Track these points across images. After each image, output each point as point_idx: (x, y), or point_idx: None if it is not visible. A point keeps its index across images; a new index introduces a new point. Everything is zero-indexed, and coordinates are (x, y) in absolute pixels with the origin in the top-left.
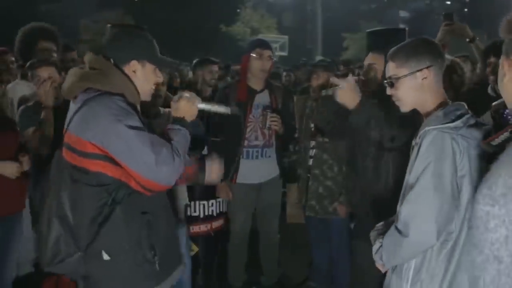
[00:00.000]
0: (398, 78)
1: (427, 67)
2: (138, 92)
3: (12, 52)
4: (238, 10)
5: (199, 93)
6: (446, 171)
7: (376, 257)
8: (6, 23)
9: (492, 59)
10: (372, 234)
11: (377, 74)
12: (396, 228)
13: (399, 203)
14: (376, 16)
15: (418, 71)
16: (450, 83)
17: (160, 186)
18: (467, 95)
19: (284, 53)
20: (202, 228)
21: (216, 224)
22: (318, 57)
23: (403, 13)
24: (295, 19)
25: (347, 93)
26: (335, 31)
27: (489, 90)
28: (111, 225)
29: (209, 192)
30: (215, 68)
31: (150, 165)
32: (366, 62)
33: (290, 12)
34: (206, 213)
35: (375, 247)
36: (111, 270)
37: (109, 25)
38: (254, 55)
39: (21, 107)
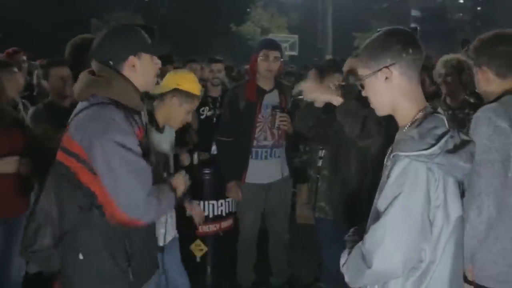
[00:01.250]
0: (363, 80)
1: (387, 66)
2: (140, 97)
3: (24, 51)
4: (249, 10)
5: (207, 92)
6: (417, 205)
7: (343, 270)
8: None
9: None
10: (346, 239)
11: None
12: (362, 253)
13: (368, 221)
14: (387, 15)
15: (378, 70)
16: (460, 82)
17: (124, 215)
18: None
19: (294, 53)
20: (211, 228)
21: (225, 224)
22: (328, 57)
23: (414, 12)
24: (306, 19)
25: (312, 89)
26: (345, 30)
27: None
28: (89, 227)
29: (219, 192)
30: (217, 66)
31: (127, 192)
32: (345, 69)
33: (301, 12)
34: (216, 213)
35: (342, 260)
36: (84, 269)
37: None
38: (260, 56)
39: (32, 109)
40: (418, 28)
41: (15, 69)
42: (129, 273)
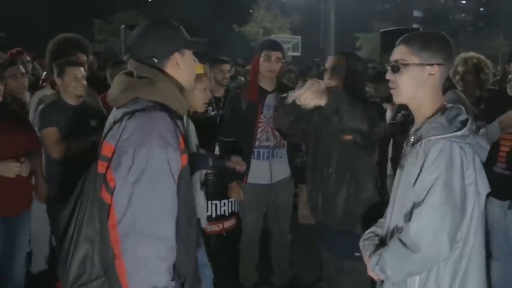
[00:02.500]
0: (406, 65)
1: (438, 64)
2: (184, 98)
3: (28, 51)
4: (251, 10)
5: (212, 93)
6: (456, 183)
7: (376, 270)
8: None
9: None
10: (363, 243)
11: (341, 78)
12: (402, 242)
13: (390, 216)
14: (390, 16)
15: (428, 64)
16: (477, 81)
17: (116, 237)
18: (486, 94)
19: (297, 53)
20: (214, 227)
21: (228, 224)
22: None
23: (417, 13)
24: (308, 19)
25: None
26: (348, 31)
27: (508, 90)
28: None
29: (222, 192)
30: (226, 67)
31: (138, 212)
32: (329, 66)
33: (303, 12)
34: (218, 213)
35: (373, 260)
36: None
37: (122, 26)
38: (262, 57)
39: (40, 107)
40: (421, 28)
41: (20, 68)
42: None
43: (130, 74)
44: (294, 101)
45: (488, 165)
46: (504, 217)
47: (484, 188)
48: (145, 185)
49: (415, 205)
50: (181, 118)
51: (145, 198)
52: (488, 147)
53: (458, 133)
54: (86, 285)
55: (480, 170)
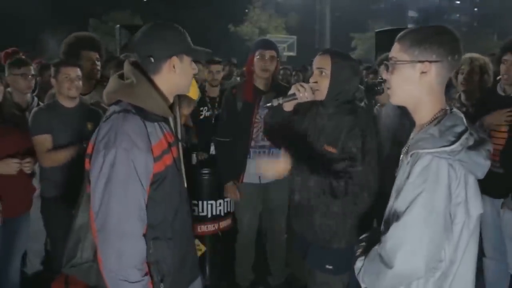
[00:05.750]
0: (395, 63)
1: (430, 61)
2: (166, 100)
3: (23, 51)
4: (247, 10)
5: (205, 92)
6: (439, 203)
7: (358, 278)
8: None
9: (509, 57)
10: (356, 247)
11: (327, 81)
12: (380, 255)
13: (383, 223)
14: (385, 16)
15: (419, 61)
16: (480, 82)
17: (94, 228)
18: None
19: (293, 53)
20: (209, 227)
21: (224, 223)
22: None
23: (411, 13)
24: (303, 19)
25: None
26: (343, 31)
27: (498, 89)
28: None
29: (217, 192)
30: (216, 67)
31: (109, 209)
32: (315, 66)
33: (298, 12)
34: (214, 213)
35: (356, 267)
36: None
37: (117, 26)
38: (256, 56)
39: (34, 110)
40: None
41: (31, 68)
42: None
43: (123, 75)
44: (278, 108)
45: None
46: (497, 215)
47: (476, 209)
48: (113, 185)
49: (395, 217)
50: (165, 120)
51: (113, 197)
52: (488, 163)
53: (448, 148)
54: (76, 266)
55: (473, 190)
